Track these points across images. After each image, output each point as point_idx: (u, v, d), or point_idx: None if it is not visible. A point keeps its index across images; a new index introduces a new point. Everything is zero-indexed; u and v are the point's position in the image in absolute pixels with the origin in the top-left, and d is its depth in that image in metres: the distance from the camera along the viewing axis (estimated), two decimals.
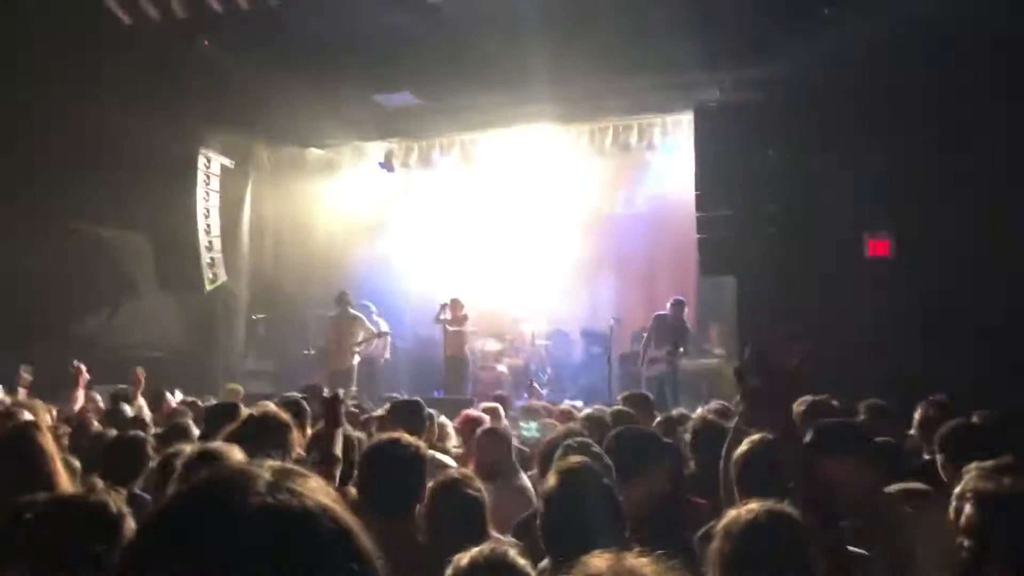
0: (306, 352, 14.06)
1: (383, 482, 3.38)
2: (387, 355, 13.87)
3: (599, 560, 1.21)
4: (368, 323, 12.91)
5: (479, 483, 3.42)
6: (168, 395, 8.30)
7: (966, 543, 2.43)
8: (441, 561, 2.29)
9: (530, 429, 5.19)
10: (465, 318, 12.93)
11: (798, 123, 9.78)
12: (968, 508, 2.45)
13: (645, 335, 11.98)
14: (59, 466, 3.39)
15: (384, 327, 13.57)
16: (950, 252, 8.88)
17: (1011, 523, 2.36)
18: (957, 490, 2.59)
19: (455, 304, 12.91)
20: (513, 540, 2.38)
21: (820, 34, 9.14)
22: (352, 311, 12.80)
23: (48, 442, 3.41)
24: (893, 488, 3.42)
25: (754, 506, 2.35)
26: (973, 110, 8.88)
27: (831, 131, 9.64)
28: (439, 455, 5.19)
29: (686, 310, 11.83)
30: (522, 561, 2.24)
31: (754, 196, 9.87)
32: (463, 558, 2.22)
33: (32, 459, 3.32)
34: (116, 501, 2.63)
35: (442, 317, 12.73)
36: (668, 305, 11.75)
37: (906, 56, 9.24)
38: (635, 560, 1.20)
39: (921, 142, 9.11)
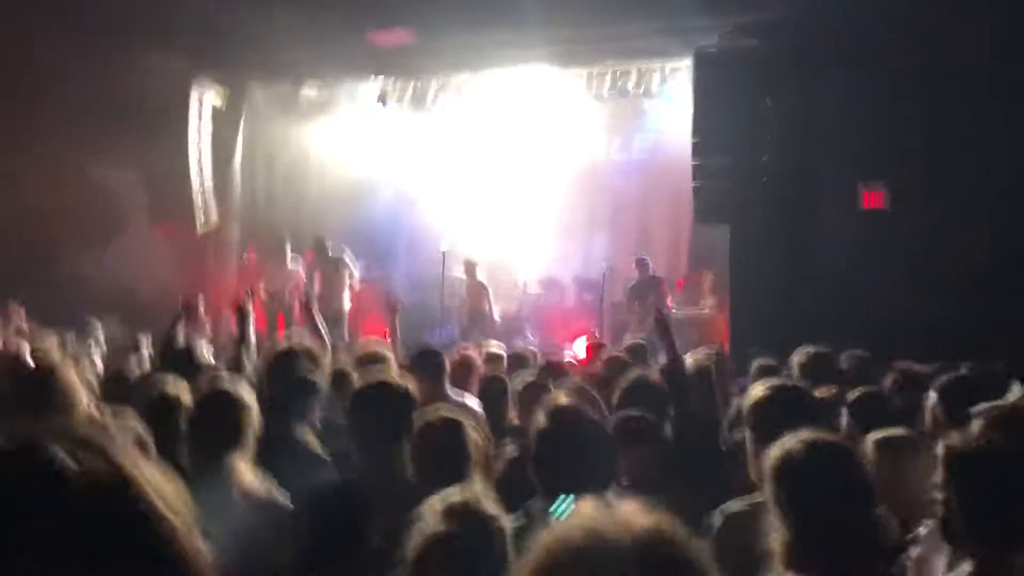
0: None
1: (369, 421, 3.46)
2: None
3: (588, 508, 1.18)
4: (351, 265, 12.81)
5: (468, 425, 3.43)
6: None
7: (938, 496, 2.45)
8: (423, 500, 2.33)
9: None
10: (482, 286, 12.96)
11: (797, 71, 9.69)
12: (938, 462, 2.47)
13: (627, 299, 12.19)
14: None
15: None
16: (945, 204, 8.88)
17: (976, 478, 2.37)
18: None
19: (469, 266, 12.90)
20: (484, 488, 2.39)
21: None
22: (332, 255, 12.71)
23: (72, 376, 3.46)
24: (875, 436, 3.45)
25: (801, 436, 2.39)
26: (973, 61, 8.81)
27: (829, 80, 9.57)
28: (467, 397, 5.27)
29: (651, 265, 12.01)
30: (494, 509, 2.25)
31: (751, 144, 9.80)
32: (434, 504, 2.23)
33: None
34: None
35: (467, 284, 12.67)
36: (634, 267, 12.01)
37: (906, 5, 9.14)
38: (627, 508, 1.18)
39: (919, 93, 9.05)
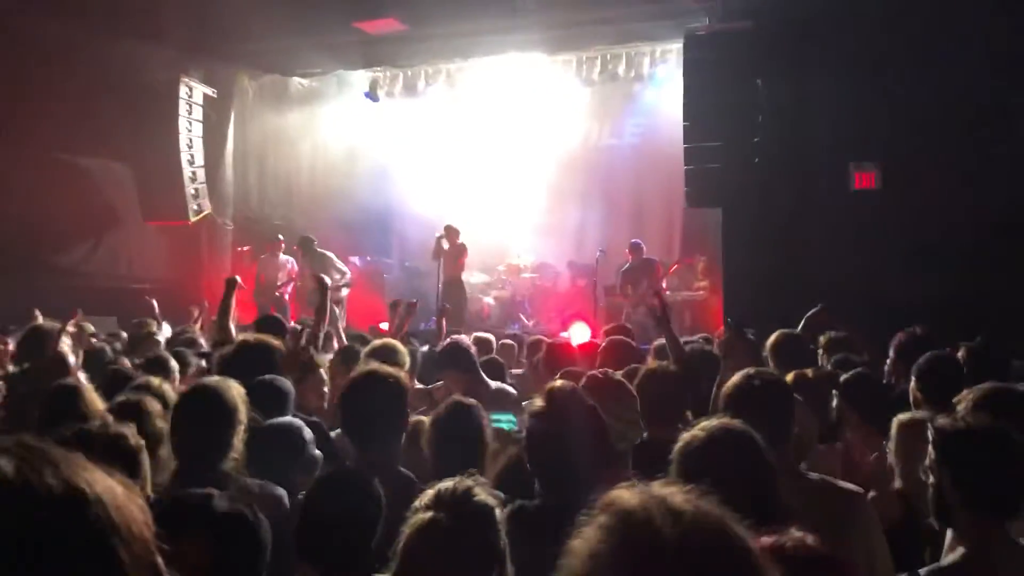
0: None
1: (362, 415, 3.43)
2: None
3: (627, 493, 1.17)
4: (338, 261, 12.75)
5: (474, 414, 3.45)
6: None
7: (930, 479, 2.49)
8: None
9: (505, 422, 4.42)
10: (463, 246, 12.77)
11: (787, 52, 9.67)
12: (929, 445, 2.51)
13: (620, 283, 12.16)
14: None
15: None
16: (936, 184, 8.89)
17: (966, 454, 2.42)
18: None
19: (451, 231, 12.64)
20: (483, 479, 2.38)
21: None
22: (319, 251, 12.66)
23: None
24: (899, 419, 3.40)
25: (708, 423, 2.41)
26: (964, 40, 8.80)
27: (819, 61, 9.55)
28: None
29: (644, 249, 12.00)
30: (490, 499, 2.23)
31: (742, 127, 9.79)
32: (427, 493, 2.22)
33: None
34: (133, 433, 2.74)
35: (445, 247, 12.51)
36: (627, 252, 11.96)
37: None
38: (664, 489, 1.17)
39: (909, 73, 9.05)
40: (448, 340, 5.86)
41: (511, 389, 5.39)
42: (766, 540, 1.69)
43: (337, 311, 11.80)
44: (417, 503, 2.20)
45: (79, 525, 0.88)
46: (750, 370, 3.12)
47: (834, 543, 1.77)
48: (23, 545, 0.84)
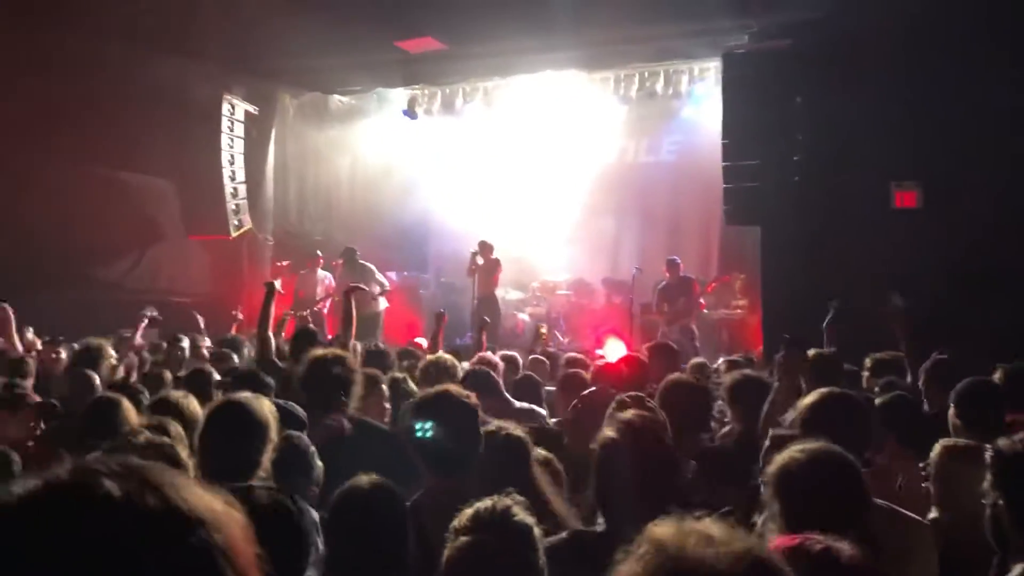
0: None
1: (434, 439, 3.18)
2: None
3: (663, 528, 1.20)
4: (379, 274, 12.86)
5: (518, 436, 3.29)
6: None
7: (987, 501, 2.46)
8: None
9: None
10: (497, 261, 12.81)
11: (826, 70, 9.60)
12: (988, 467, 2.48)
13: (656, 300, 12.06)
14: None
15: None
16: (978, 203, 8.75)
17: (1020, 483, 2.38)
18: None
19: (485, 247, 12.70)
20: (522, 498, 2.35)
21: None
22: (361, 262, 12.79)
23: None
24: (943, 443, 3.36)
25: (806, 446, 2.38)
26: (1006, 57, 8.68)
27: (859, 78, 9.45)
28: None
29: (681, 267, 11.88)
30: (528, 519, 2.21)
31: (781, 145, 9.74)
32: (465, 514, 2.20)
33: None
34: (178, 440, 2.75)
35: (479, 263, 12.53)
36: (664, 269, 11.86)
37: (937, 3, 9.04)
38: (700, 524, 1.20)
39: (950, 90, 8.94)
40: (476, 359, 5.88)
41: (539, 409, 5.32)
42: (785, 540, 1.70)
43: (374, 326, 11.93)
44: (455, 523, 2.20)
45: (186, 546, 0.87)
46: (827, 389, 3.10)
47: (897, 570, 1.76)
48: (131, 569, 0.84)
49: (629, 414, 2.96)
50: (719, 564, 1.11)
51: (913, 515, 2.96)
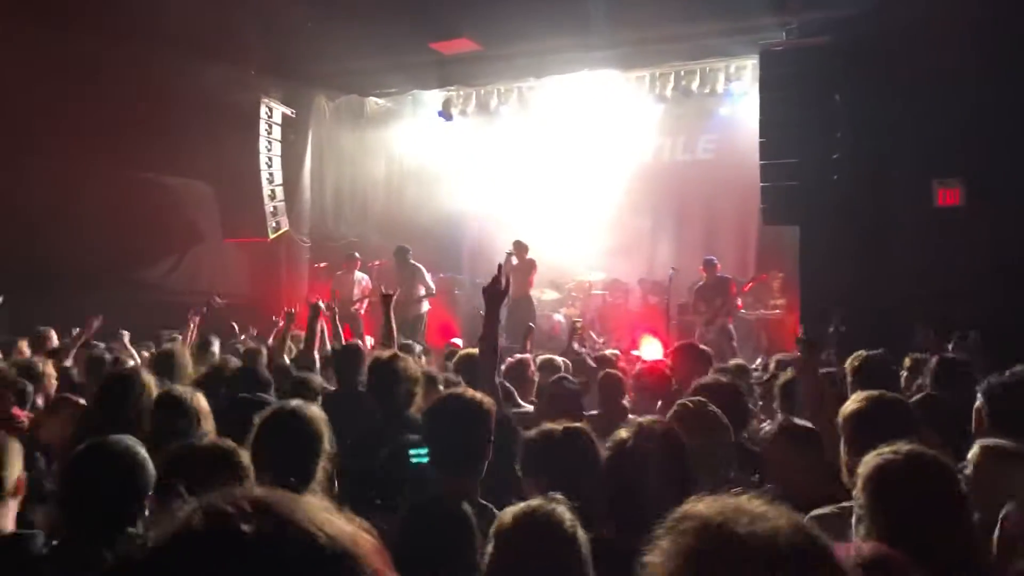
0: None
1: (444, 440, 3.19)
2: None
3: (703, 504, 1.17)
4: (427, 276, 12.87)
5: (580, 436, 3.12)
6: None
7: None
8: None
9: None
10: (532, 262, 12.71)
11: (865, 67, 9.49)
12: None
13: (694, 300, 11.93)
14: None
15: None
16: (1022, 200, 8.60)
17: None
18: None
19: (520, 247, 12.56)
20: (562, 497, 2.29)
21: None
22: (412, 262, 12.83)
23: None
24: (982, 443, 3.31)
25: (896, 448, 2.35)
26: None
27: (899, 76, 9.34)
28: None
29: (718, 266, 11.69)
30: (569, 518, 2.17)
31: (819, 143, 9.63)
32: (507, 514, 2.18)
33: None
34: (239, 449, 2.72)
35: (514, 263, 12.26)
36: (701, 269, 11.70)
37: None
38: (738, 499, 1.18)
39: (992, 86, 8.79)
40: (514, 359, 5.86)
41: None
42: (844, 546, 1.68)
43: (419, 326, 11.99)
44: (497, 524, 2.18)
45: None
46: (873, 392, 3.06)
47: None
48: None
49: (647, 419, 2.88)
50: (770, 539, 1.09)
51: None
